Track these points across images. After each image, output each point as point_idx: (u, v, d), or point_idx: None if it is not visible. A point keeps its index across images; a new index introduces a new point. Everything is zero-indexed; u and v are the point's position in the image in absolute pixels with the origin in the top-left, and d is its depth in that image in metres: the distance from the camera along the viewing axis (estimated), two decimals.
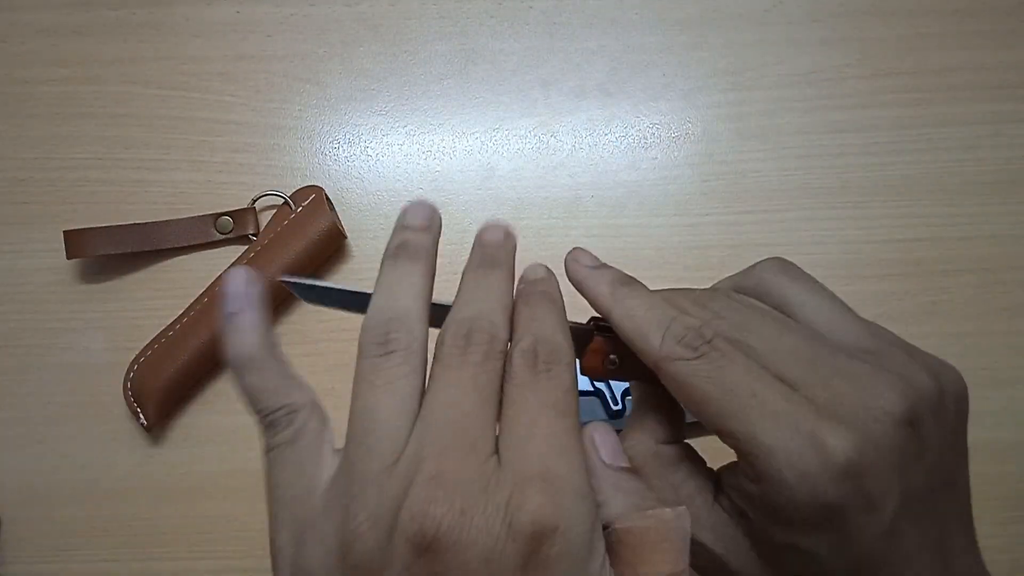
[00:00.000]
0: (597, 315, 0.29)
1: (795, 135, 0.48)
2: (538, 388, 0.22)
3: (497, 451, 0.22)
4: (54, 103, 0.48)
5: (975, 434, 0.47)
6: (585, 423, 0.24)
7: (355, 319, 0.49)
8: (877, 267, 0.46)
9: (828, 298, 0.28)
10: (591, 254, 0.28)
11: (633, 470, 0.23)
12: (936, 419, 0.24)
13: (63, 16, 0.49)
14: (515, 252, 0.27)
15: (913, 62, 0.49)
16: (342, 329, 0.46)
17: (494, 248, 0.26)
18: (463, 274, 0.26)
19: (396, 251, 0.26)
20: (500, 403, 0.23)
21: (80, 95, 0.48)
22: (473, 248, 0.27)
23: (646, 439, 0.27)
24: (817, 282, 0.28)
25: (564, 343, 0.24)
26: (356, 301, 0.28)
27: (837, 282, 0.47)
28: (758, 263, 0.29)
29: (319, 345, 0.46)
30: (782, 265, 0.29)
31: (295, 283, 0.30)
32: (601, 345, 0.28)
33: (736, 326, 0.26)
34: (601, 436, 0.24)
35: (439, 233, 0.27)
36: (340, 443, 0.25)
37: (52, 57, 0.49)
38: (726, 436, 0.24)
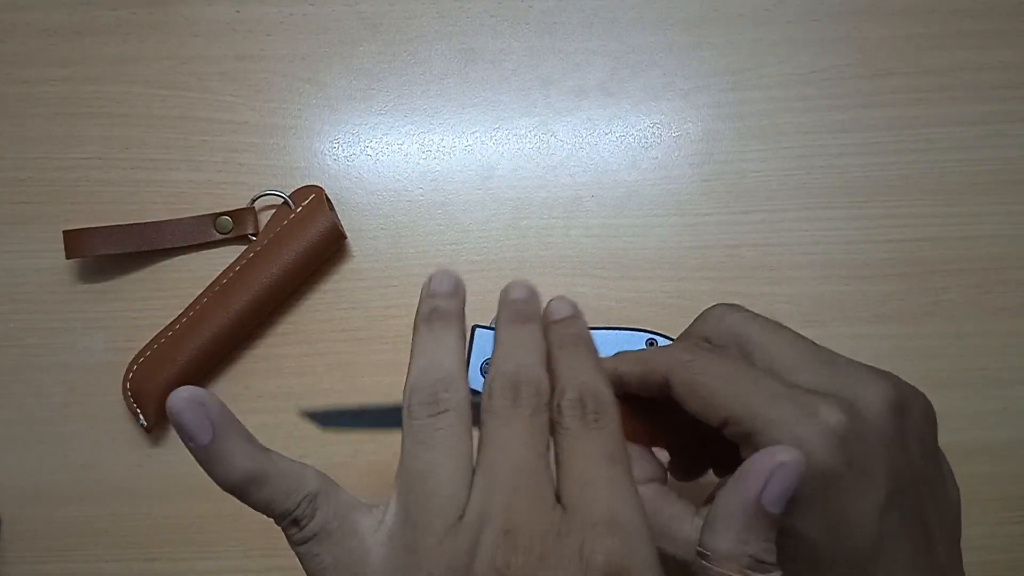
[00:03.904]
0: None
1: (795, 135, 0.48)
2: (591, 439, 0.23)
3: (559, 500, 0.23)
4: (54, 103, 0.48)
5: (975, 434, 0.47)
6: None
7: (355, 319, 0.49)
8: (877, 267, 0.46)
9: (788, 334, 0.29)
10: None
11: (777, 521, 0.23)
12: (918, 418, 0.26)
13: (63, 16, 0.49)
14: (541, 307, 0.28)
15: (913, 62, 0.49)
16: (342, 330, 0.46)
17: (522, 304, 0.27)
18: (496, 330, 0.27)
19: (429, 316, 0.27)
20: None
21: (80, 95, 0.48)
22: (501, 306, 0.28)
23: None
24: (772, 321, 0.29)
25: (607, 392, 0.25)
26: (379, 417, 0.29)
27: (837, 282, 0.47)
28: (709, 310, 0.30)
29: (318, 346, 0.46)
30: (735, 307, 0.30)
31: (313, 414, 0.30)
32: None
33: (733, 337, 0.28)
34: (779, 479, 0.23)
35: (465, 300, 0.28)
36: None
37: (52, 57, 0.49)
38: (732, 424, 0.25)
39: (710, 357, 0.27)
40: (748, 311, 0.29)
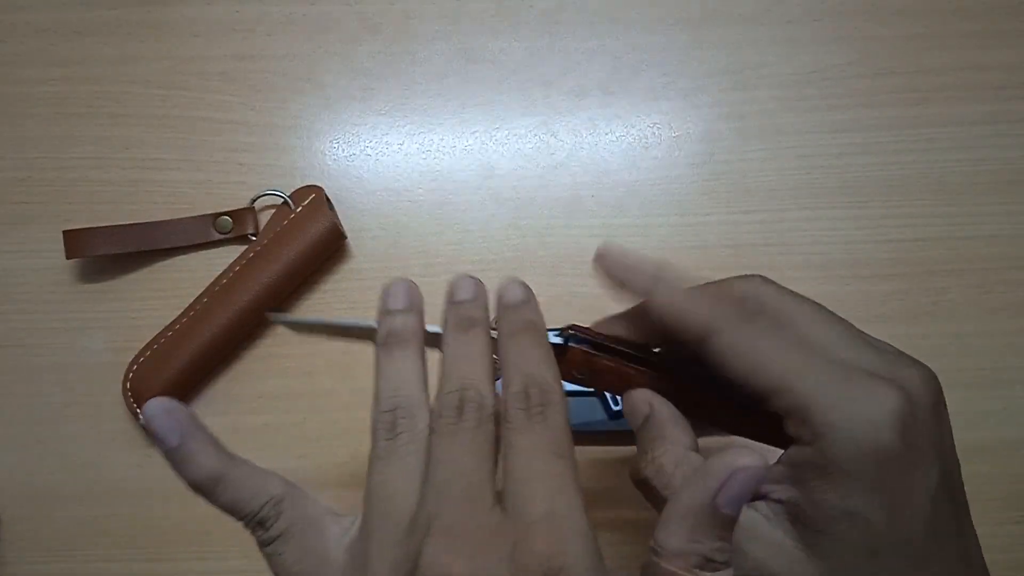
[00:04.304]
0: (575, 325, 0.30)
1: (795, 135, 0.48)
2: (533, 433, 0.24)
3: (501, 501, 0.23)
4: (53, 103, 0.48)
5: (975, 434, 0.47)
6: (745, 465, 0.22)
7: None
8: (877, 267, 0.46)
9: (826, 312, 0.29)
10: (623, 248, 0.29)
11: (731, 522, 0.23)
12: (945, 407, 0.26)
13: (62, 16, 0.49)
14: (487, 303, 0.28)
15: (913, 62, 0.49)
16: None
17: (468, 306, 0.27)
18: (443, 335, 0.27)
19: (386, 339, 0.28)
20: (498, 454, 0.24)
21: (79, 95, 0.48)
22: (447, 308, 0.28)
23: (674, 448, 0.27)
24: (810, 300, 0.29)
25: (552, 379, 0.25)
26: (341, 330, 0.31)
27: (837, 282, 0.47)
28: (745, 278, 0.29)
29: (318, 346, 0.46)
30: (772, 281, 0.29)
31: (284, 321, 0.33)
32: (576, 355, 0.29)
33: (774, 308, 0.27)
34: (738, 482, 0.22)
35: (422, 308, 0.29)
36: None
37: (51, 57, 0.49)
38: (781, 395, 0.25)
39: (761, 322, 0.26)
40: (785, 288, 0.29)
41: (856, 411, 0.24)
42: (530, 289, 0.28)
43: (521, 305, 0.27)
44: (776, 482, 0.26)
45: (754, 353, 0.26)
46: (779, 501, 0.26)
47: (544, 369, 0.25)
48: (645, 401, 0.28)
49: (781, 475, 0.26)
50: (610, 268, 0.29)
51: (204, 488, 0.26)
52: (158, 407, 0.26)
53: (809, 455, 0.25)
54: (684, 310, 0.27)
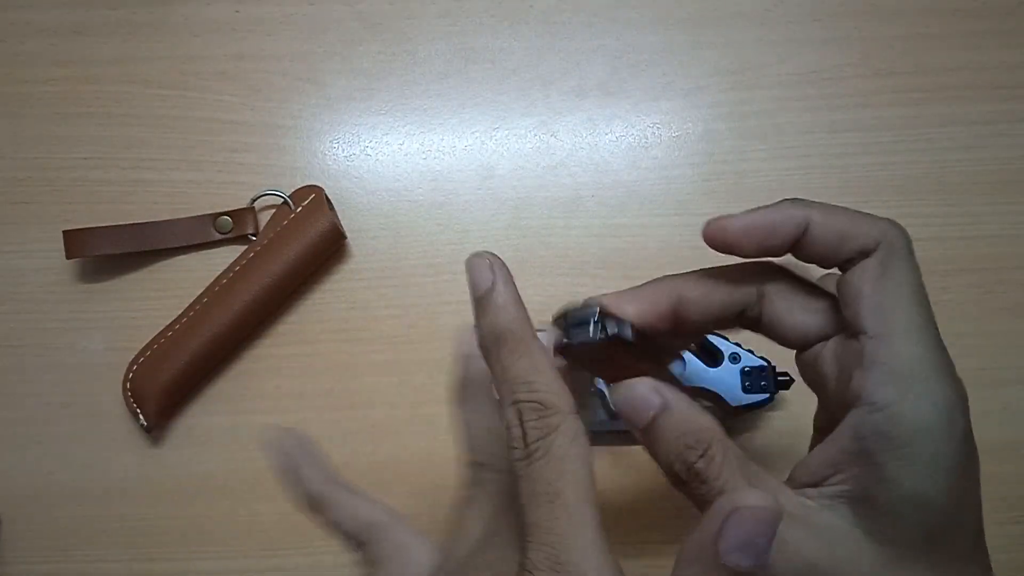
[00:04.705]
0: (602, 306, 0.27)
1: (795, 135, 0.48)
2: (531, 479, 0.22)
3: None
4: (53, 103, 0.48)
5: (975, 434, 0.47)
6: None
7: (355, 319, 0.49)
8: None
9: None
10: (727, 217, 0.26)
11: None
12: None
13: (63, 16, 0.49)
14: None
15: (913, 62, 0.49)
16: (341, 330, 0.46)
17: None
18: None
19: (463, 385, 0.29)
20: None
21: (79, 95, 0.48)
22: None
23: (721, 438, 0.25)
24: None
25: (547, 391, 0.22)
26: None
27: None
28: (876, 221, 0.25)
29: (318, 346, 0.46)
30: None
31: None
32: (613, 351, 0.27)
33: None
34: (735, 524, 0.19)
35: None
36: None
37: (52, 57, 0.49)
38: (893, 340, 0.24)
39: (913, 259, 0.25)
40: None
41: (947, 387, 0.23)
42: (497, 266, 0.24)
43: (487, 298, 0.23)
44: (832, 465, 0.24)
45: (899, 283, 0.24)
46: (837, 484, 0.24)
47: (534, 385, 0.22)
48: (655, 392, 0.25)
49: (841, 454, 0.24)
50: (739, 235, 0.26)
51: (308, 508, 0.29)
52: (273, 435, 0.30)
53: (881, 424, 0.23)
54: (854, 223, 0.24)
